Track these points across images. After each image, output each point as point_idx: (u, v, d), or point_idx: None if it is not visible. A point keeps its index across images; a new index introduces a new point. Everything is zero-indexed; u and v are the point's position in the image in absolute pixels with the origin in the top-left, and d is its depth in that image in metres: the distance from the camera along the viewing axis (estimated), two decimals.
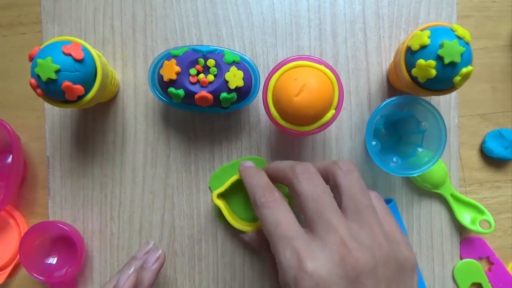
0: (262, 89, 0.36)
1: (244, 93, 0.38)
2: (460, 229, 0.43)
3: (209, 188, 0.43)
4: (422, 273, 0.42)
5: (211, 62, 0.36)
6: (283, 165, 0.32)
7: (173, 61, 0.36)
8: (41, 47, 0.34)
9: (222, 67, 0.36)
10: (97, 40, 0.43)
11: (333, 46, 0.43)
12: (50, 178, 0.43)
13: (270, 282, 0.43)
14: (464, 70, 0.32)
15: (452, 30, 0.33)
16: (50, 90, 0.33)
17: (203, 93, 0.36)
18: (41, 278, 0.40)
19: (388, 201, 0.42)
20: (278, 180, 0.32)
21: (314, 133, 0.35)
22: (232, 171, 0.43)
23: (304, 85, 0.33)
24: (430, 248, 0.43)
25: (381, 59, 0.43)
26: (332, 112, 0.34)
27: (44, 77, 0.32)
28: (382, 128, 0.43)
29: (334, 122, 0.38)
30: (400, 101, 0.37)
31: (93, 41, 0.43)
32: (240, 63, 0.37)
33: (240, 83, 0.36)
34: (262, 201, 0.30)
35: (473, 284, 0.43)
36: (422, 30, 0.34)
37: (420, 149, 0.39)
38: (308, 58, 0.35)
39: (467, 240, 0.44)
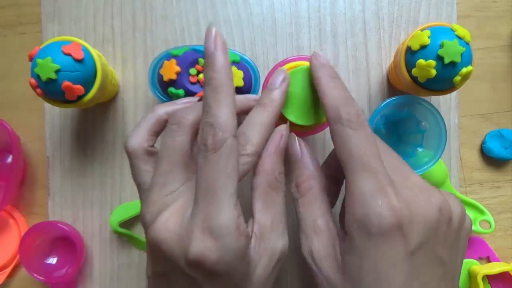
0: (262, 89, 0.36)
1: (244, 93, 0.37)
2: None
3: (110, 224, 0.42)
4: None
5: None
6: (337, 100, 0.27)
7: (173, 61, 0.36)
8: (41, 47, 0.34)
9: None
10: (97, 40, 0.43)
11: (333, 46, 0.43)
12: (50, 178, 0.43)
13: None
14: (464, 70, 0.32)
15: (452, 30, 0.33)
16: (50, 90, 0.33)
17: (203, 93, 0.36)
18: (41, 278, 0.40)
19: None
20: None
21: (314, 133, 0.35)
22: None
23: None
24: None
25: (381, 59, 0.43)
26: None
27: (44, 77, 0.32)
28: (382, 128, 0.43)
29: None
30: (400, 101, 0.37)
31: (93, 41, 0.43)
32: (240, 63, 0.37)
33: (240, 83, 0.36)
34: (349, 118, 0.25)
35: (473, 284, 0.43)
36: (422, 30, 0.34)
37: (420, 149, 0.39)
38: (308, 58, 0.35)
39: None
